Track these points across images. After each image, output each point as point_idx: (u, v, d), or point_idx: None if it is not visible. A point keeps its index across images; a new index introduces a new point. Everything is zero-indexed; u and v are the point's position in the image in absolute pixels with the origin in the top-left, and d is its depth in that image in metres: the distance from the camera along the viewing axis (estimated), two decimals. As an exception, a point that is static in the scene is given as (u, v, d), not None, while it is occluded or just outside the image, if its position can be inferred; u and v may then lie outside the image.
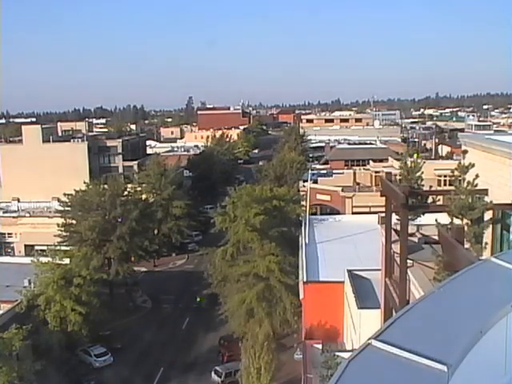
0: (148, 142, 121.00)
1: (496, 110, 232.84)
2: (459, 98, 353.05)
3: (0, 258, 55.95)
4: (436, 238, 15.98)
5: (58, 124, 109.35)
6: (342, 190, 58.73)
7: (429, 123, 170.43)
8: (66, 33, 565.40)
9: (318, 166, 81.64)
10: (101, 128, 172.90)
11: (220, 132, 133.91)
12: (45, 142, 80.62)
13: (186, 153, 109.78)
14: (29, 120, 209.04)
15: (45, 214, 67.05)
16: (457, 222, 13.92)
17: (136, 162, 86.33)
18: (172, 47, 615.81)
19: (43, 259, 41.05)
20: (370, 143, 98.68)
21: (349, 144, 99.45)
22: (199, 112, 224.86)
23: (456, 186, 14.65)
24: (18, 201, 73.65)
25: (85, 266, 40.83)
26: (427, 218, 17.58)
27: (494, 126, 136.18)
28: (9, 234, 69.44)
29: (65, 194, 54.86)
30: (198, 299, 51.11)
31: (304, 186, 57.54)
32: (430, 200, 17.90)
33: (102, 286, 45.25)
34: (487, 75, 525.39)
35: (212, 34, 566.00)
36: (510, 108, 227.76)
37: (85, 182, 57.64)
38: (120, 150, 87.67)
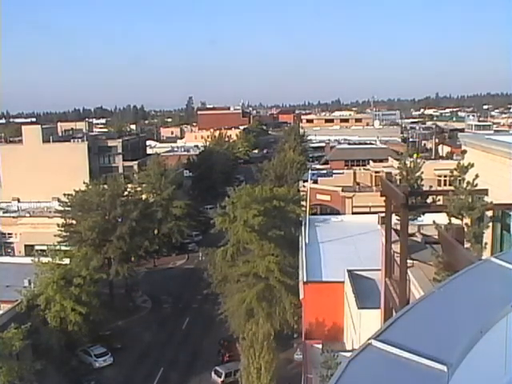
0: (148, 142, 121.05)
1: (496, 110, 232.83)
2: (459, 98, 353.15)
3: (0, 258, 55.98)
4: (436, 237, 15.98)
5: (58, 124, 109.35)
6: (342, 190, 58.73)
7: (429, 123, 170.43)
8: (66, 33, 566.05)
9: (318, 166, 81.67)
10: (101, 128, 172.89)
11: (220, 132, 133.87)
12: (45, 142, 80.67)
13: (186, 153, 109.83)
14: (29, 120, 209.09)
15: (45, 214, 67.02)
16: (457, 222, 13.92)
17: (136, 162, 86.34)
18: (172, 47, 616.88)
19: (43, 259, 41.05)
20: (370, 143, 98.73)
21: (349, 144, 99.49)
22: (199, 112, 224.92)
23: (456, 186, 14.64)
24: (18, 201, 73.65)
25: (85, 266, 40.82)
26: (428, 218, 17.59)
27: (494, 126, 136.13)
28: (9, 234, 69.41)
29: (65, 194, 54.84)
30: None
31: (304, 186, 57.52)
32: (429, 200, 17.91)
33: (102, 286, 45.27)
34: (487, 75, 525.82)
35: (212, 33, 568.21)
36: (510, 108, 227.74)
37: (85, 182, 57.63)
38: (120, 150, 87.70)
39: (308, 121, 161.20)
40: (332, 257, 36.58)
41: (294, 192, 50.93)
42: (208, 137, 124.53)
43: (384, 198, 18.91)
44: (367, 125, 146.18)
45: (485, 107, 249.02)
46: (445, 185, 49.86)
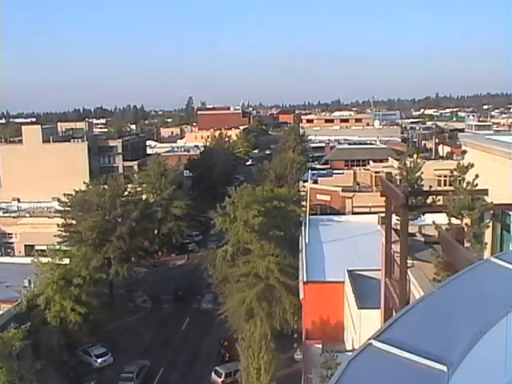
0: (148, 142, 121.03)
1: (496, 110, 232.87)
2: (459, 98, 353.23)
3: (0, 258, 55.98)
4: (436, 237, 15.98)
5: (58, 124, 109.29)
6: (342, 190, 58.72)
7: (429, 123, 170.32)
8: (66, 33, 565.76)
9: (318, 166, 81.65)
10: (101, 128, 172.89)
11: (220, 132, 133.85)
12: (45, 142, 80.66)
13: (186, 153, 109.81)
14: (29, 120, 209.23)
15: (45, 214, 67.01)
16: (457, 222, 13.92)
17: (136, 162, 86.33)
18: (172, 47, 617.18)
19: (43, 259, 41.05)
20: (370, 143, 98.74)
21: (349, 144, 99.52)
22: (199, 112, 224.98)
23: (456, 186, 14.64)
24: (18, 201, 73.66)
25: (85, 266, 40.82)
26: (428, 218, 17.59)
27: (494, 126, 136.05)
28: (9, 234, 69.41)
29: (65, 194, 54.85)
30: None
31: (304, 186, 57.51)
32: (429, 200, 17.91)
33: (102, 286, 45.26)
34: (487, 75, 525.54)
35: (212, 34, 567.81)
36: (510, 108, 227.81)
37: (85, 182, 57.64)
38: (120, 150, 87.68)
39: (308, 121, 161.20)
40: (332, 257, 36.59)
41: (294, 192, 50.96)
42: (208, 137, 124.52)
43: (384, 198, 18.91)
44: (367, 125, 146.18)
45: (485, 107, 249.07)
46: (445, 185, 49.84)
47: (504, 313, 4.55)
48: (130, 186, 62.17)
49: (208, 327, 46.71)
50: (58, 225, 53.42)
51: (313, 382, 26.00)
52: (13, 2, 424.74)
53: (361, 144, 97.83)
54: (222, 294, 43.57)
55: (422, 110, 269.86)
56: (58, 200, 55.98)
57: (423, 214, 17.67)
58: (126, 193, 57.11)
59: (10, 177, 76.79)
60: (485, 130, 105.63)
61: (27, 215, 69.41)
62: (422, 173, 18.63)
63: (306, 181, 57.24)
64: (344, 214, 54.44)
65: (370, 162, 69.17)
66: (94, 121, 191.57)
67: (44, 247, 51.15)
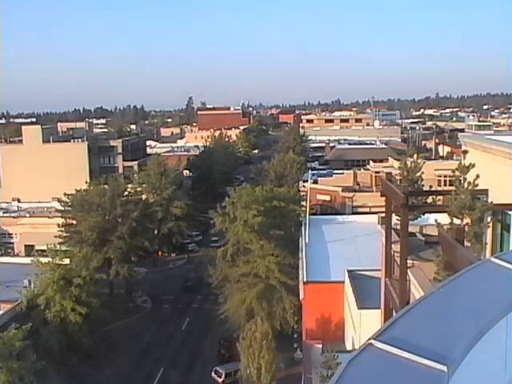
0: (148, 142, 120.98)
1: (496, 110, 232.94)
2: (459, 98, 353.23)
3: (0, 258, 55.96)
4: (436, 237, 15.98)
5: (58, 124, 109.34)
6: (342, 190, 58.74)
7: (429, 123, 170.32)
8: (66, 33, 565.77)
9: (318, 166, 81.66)
10: (101, 128, 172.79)
11: (220, 132, 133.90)
12: (45, 142, 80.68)
13: (186, 153, 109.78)
14: (29, 120, 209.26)
15: (45, 214, 66.98)
16: (457, 222, 13.92)
17: (136, 162, 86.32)
18: (172, 47, 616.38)
19: (43, 259, 41.03)
20: (370, 143, 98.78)
21: (349, 144, 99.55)
22: (199, 112, 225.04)
23: (456, 186, 14.65)
24: (19, 201, 73.65)
25: (85, 267, 40.78)
26: (429, 218, 17.60)
27: (494, 126, 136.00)
28: (9, 234, 69.41)
29: (65, 194, 54.85)
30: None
31: (304, 186, 57.52)
32: (430, 200, 17.92)
33: (102, 286, 45.21)
34: (487, 75, 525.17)
35: (212, 33, 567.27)
36: (510, 108, 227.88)
37: (85, 182, 57.62)
38: (120, 150, 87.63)
39: (308, 121, 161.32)
40: (332, 257, 36.61)
41: (294, 192, 50.94)
42: (208, 137, 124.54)
43: (384, 198, 18.92)
44: (367, 125, 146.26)
45: (485, 107, 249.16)
46: (445, 185, 49.87)
47: (504, 313, 4.55)
48: (130, 185, 62.16)
49: (208, 327, 46.70)
50: (59, 225, 53.42)
51: (313, 382, 26.01)
52: (13, 2, 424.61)
53: (361, 144, 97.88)
54: (222, 294, 43.58)
55: (422, 110, 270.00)
56: (58, 200, 55.97)
57: (423, 214, 17.68)
58: (126, 193, 57.08)
59: (10, 177, 76.79)
60: (485, 130, 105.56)
61: (27, 215, 69.39)
62: (423, 173, 18.67)
63: (306, 181, 57.27)
64: (344, 214, 54.44)
65: (370, 162, 69.19)
66: (94, 121, 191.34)
67: (44, 247, 51.09)
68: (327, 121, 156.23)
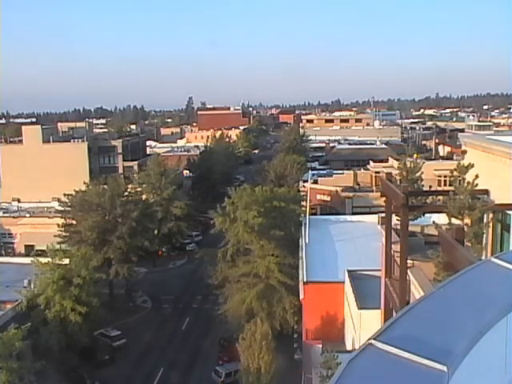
0: (148, 143, 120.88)
1: (496, 110, 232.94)
2: (459, 98, 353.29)
3: (0, 258, 55.94)
4: (436, 237, 15.98)
5: (58, 124, 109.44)
6: (342, 190, 58.71)
7: (429, 123, 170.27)
8: (66, 33, 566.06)
9: (318, 166, 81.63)
10: (101, 128, 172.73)
11: (220, 132, 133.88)
12: (45, 142, 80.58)
13: (186, 153, 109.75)
14: (29, 120, 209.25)
15: (45, 214, 66.96)
16: (457, 222, 13.92)
17: (136, 163, 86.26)
18: (172, 47, 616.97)
19: (43, 259, 41.04)
20: (370, 143, 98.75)
21: (349, 144, 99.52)
22: (199, 112, 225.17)
23: (456, 187, 14.65)
24: (19, 201, 73.62)
25: (84, 267, 40.78)
26: (429, 218, 17.59)
27: (494, 126, 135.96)
28: (9, 234, 69.39)
29: (65, 195, 54.83)
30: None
31: (304, 186, 57.49)
32: (429, 200, 17.92)
33: (102, 286, 45.20)
34: (487, 75, 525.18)
35: (212, 34, 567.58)
36: (510, 108, 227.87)
37: (85, 183, 57.58)
38: (120, 150, 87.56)
39: (308, 121, 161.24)
40: (332, 257, 36.58)
41: (294, 192, 50.93)
42: (208, 137, 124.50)
43: (384, 198, 18.92)
44: (367, 125, 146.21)
45: (485, 107, 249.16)
46: (445, 185, 49.83)
47: (504, 313, 4.55)
48: (130, 186, 62.12)
49: (208, 327, 46.69)
50: (58, 225, 53.40)
51: (313, 382, 26.00)
52: (13, 2, 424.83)
53: (361, 144, 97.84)
54: (222, 294, 43.57)
55: (422, 110, 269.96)
56: (58, 200, 55.96)
57: (423, 215, 17.69)
58: (126, 193, 57.07)
59: (10, 177, 76.73)
60: (485, 130, 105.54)
61: (27, 215, 69.37)
62: (422, 173, 18.67)
63: (306, 181, 57.22)
64: (344, 214, 54.42)
65: (370, 162, 69.17)
66: (94, 121, 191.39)
67: (44, 247, 51.11)
68: (327, 121, 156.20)
